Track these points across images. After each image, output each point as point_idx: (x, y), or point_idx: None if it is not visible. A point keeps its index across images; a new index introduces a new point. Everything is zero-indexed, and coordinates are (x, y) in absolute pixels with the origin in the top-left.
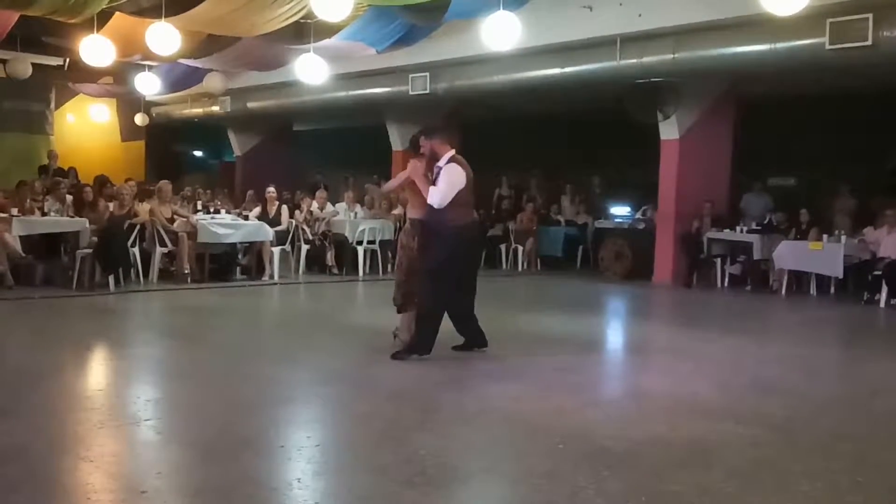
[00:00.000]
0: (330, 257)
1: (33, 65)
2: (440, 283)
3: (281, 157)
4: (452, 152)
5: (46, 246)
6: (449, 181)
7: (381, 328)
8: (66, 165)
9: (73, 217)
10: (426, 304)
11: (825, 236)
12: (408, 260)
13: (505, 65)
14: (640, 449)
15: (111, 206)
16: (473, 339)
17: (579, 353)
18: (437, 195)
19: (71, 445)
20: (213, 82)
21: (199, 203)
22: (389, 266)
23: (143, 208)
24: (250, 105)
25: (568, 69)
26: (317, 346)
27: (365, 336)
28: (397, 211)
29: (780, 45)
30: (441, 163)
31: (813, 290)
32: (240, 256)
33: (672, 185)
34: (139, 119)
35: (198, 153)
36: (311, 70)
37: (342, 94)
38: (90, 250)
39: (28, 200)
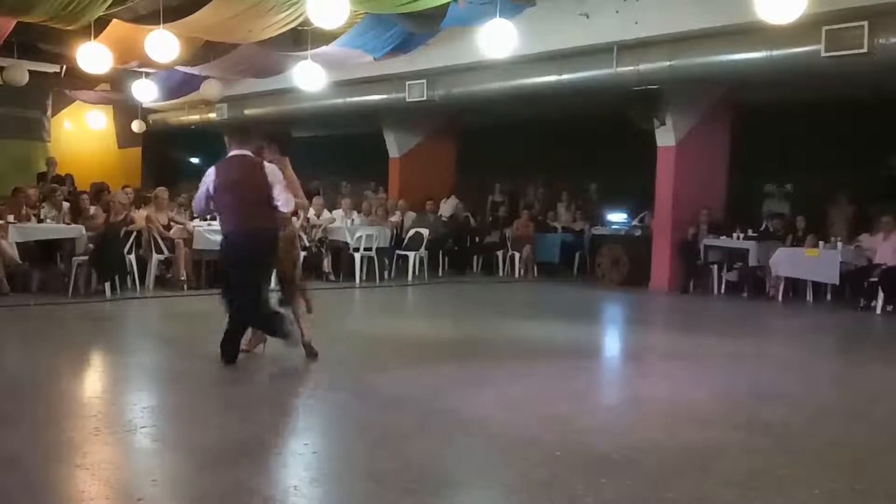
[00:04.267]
0: (327, 264)
1: (30, 72)
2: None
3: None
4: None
5: (43, 253)
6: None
7: (377, 335)
8: (62, 172)
9: (69, 224)
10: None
11: (821, 243)
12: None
13: (502, 72)
14: (638, 456)
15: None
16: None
17: (576, 360)
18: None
19: (67, 453)
20: (209, 89)
21: None
22: (386, 273)
23: (140, 215)
24: (247, 112)
25: (565, 76)
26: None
27: (361, 343)
28: (395, 218)
29: (776, 52)
30: None
31: (809, 297)
32: None
33: (669, 191)
34: (136, 126)
35: (194, 160)
36: (308, 77)
37: (339, 101)
38: (86, 257)
39: (24, 207)
